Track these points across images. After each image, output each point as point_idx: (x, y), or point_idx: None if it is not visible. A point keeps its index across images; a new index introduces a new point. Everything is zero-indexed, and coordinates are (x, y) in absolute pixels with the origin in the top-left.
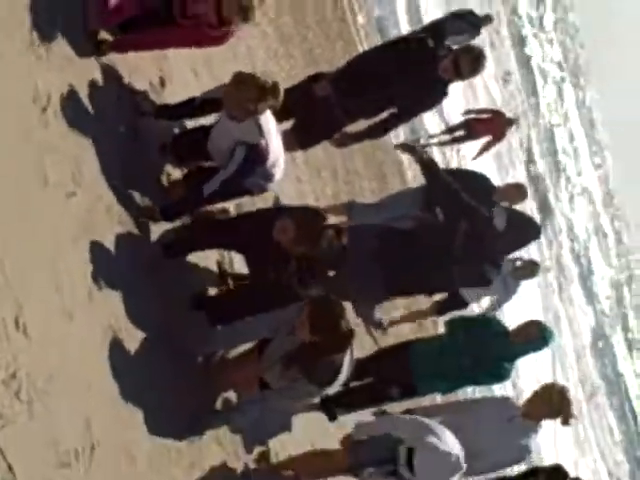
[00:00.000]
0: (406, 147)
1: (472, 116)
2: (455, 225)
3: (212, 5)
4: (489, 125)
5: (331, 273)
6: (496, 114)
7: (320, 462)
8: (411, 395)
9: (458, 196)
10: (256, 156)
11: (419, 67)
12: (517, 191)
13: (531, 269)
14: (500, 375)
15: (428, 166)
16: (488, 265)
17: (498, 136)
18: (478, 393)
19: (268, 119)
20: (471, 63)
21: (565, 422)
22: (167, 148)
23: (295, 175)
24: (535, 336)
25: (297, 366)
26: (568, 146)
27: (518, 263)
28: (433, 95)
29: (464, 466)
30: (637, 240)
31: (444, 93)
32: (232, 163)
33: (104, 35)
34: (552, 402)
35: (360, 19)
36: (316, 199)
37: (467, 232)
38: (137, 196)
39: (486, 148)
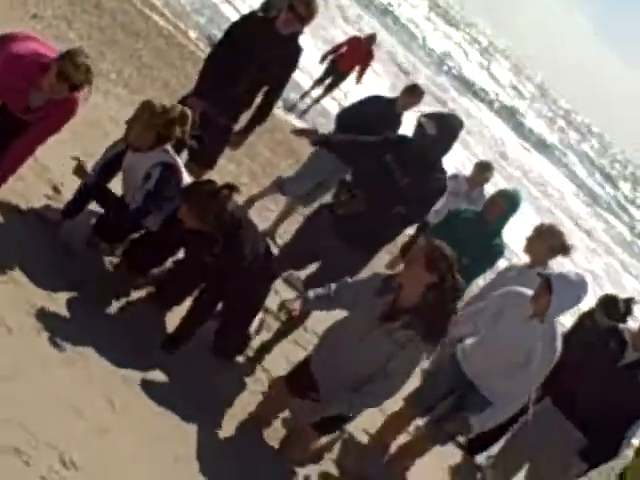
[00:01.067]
0: (299, 132)
1: (331, 57)
2: (382, 162)
3: (53, 81)
4: (352, 54)
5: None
6: (353, 41)
7: (396, 423)
8: None
9: (367, 143)
10: (172, 174)
11: (265, 38)
12: (413, 93)
13: (487, 171)
14: (498, 253)
15: (324, 142)
16: (435, 174)
17: (366, 58)
18: None
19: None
20: (306, 5)
21: (566, 252)
22: (93, 239)
23: None
24: (505, 206)
25: None
26: None
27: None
28: (290, 56)
29: None
30: None
31: (297, 49)
32: (150, 181)
33: None
34: (548, 239)
35: (192, 34)
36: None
37: (396, 160)
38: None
39: (361, 74)
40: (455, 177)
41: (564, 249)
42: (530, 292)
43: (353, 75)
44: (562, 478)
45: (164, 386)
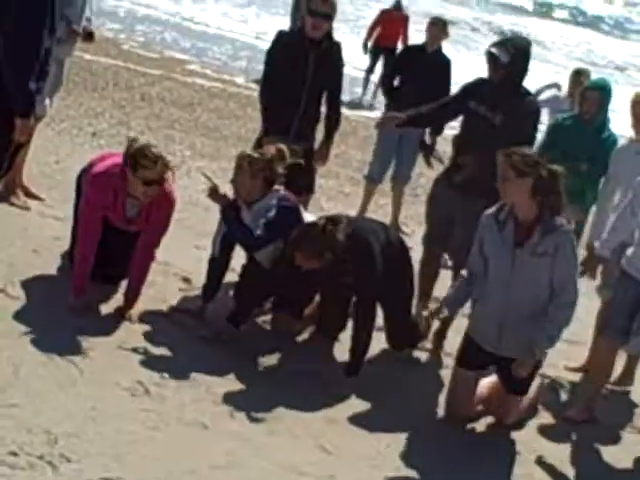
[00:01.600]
0: (382, 122)
1: (371, 42)
2: (470, 111)
3: (141, 189)
4: (389, 29)
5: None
6: (383, 16)
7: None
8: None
9: (446, 103)
10: (292, 206)
11: (303, 51)
12: (433, 26)
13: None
14: (611, 146)
15: (409, 122)
16: (523, 100)
17: (404, 25)
18: None
19: None
20: (322, 1)
21: None
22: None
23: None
24: (596, 97)
25: None
26: None
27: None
28: (333, 57)
29: None
30: None
31: (337, 47)
32: (270, 212)
33: None
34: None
35: (239, 80)
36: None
37: (481, 103)
38: None
39: (406, 42)
40: (556, 98)
41: None
42: None
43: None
44: None
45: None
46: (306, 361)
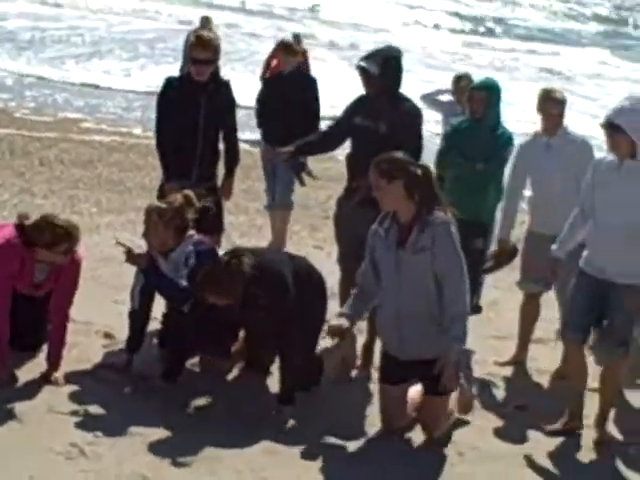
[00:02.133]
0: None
1: (267, 74)
2: (356, 128)
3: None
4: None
5: None
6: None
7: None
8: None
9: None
10: (209, 248)
11: (192, 93)
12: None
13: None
14: (506, 143)
15: (300, 152)
16: (403, 106)
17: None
18: None
19: None
20: (202, 47)
21: None
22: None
23: None
24: (484, 96)
25: None
26: None
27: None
28: (224, 97)
29: None
30: None
31: (226, 86)
32: (190, 260)
33: None
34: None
35: (137, 131)
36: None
37: (364, 117)
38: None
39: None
40: (452, 103)
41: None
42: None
43: None
44: None
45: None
46: (240, 398)
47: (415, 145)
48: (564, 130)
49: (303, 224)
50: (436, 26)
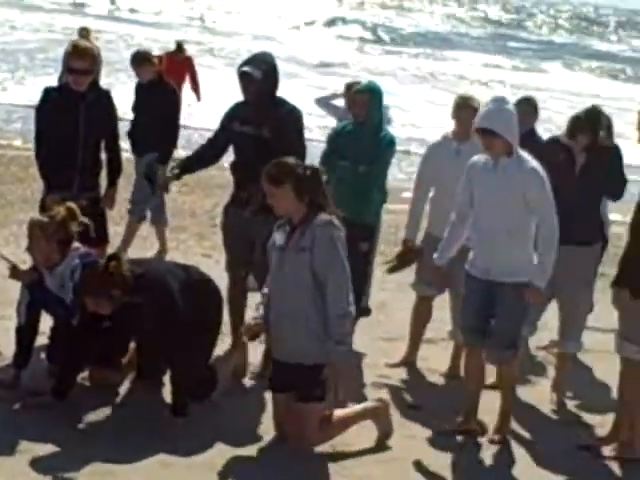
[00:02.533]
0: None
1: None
2: (238, 135)
3: None
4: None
5: None
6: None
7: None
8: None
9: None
10: (94, 261)
11: (72, 103)
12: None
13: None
14: (388, 145)
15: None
16: (283, 109)
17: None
18: None
19: None
20: (77, 57)
21: None
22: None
23: None
24: (365, 99)
25: None
26: None
27: None
28: (101, 104)
29: None
30: None
31: (106, 94)
32: (75, 273)
33: None
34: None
35: (17, 143)
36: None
37: (245, 124)
38: None
39: (195, 83)
40: (335, 107)
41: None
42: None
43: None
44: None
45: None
46: (132, 411)
47: (299, 147)
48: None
49: (190, 232)
50: (327, 33)
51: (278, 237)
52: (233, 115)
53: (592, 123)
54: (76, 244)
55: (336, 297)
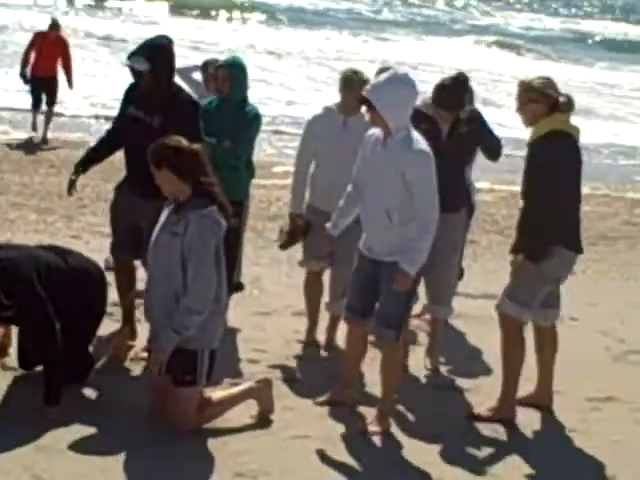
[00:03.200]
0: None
1: (28, 71)
2: (132, 119)
3: None
4: (43, 53)
5: None
6: (36, 40)
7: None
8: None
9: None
10: None
11: None
12: None
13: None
14: (253, 118)
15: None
16: (173, 94)
17: (61, 48)
18: None
19: None
20: None
21: None
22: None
23: None
24: (226, 73)
25: None
26: None
27: None
28: None
29: None
30: None
31: None
32: None
33: None
34: None
35: None
36: None
37: (139, 109)
38: None
39: (69, 72)
40: (197, 83)
41: None
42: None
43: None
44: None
45: None
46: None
47: (192, 134)
48: (363, 111)
49: (59, 214)
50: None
51: (162, 215)
52: (127, 98)
53: (458, 90)
54: None
55: (191, 289)
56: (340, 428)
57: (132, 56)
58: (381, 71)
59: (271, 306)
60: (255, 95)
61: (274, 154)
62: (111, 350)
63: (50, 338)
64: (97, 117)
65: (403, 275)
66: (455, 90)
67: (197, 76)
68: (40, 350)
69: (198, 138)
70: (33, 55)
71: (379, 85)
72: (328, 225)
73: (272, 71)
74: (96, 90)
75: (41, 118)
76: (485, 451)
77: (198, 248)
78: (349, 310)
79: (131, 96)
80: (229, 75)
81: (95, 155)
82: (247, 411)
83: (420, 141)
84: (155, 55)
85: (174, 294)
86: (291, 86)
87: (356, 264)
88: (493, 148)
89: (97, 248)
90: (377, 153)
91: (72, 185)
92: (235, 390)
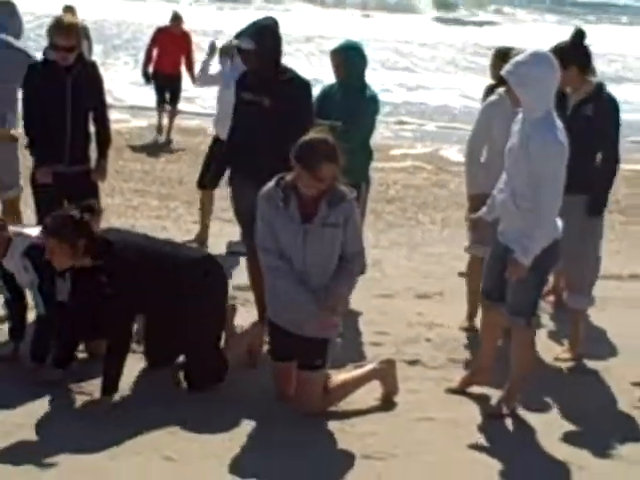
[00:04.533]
0: None
1: (151, 68)
2: (245, 104)
3: None
4: (168, 49)
5: None
6: (159, 35)
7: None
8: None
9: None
10: (39, 251)
11: (58, 78)
12: None
13: None
14: (371, 102)
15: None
16: (285, 77)
17: (185, 43)
18: None
19: None
20: (64, 36)
21: None
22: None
23: None
24: (341, 58)
25: None
26: None
27: None
28: (89, 78)
29: None
30: None
31: (92, 66)
32: (29, 272)
33: None
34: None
35: None
36: None
37: (250, 93)
38: None
39: (190, 66)
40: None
41: None
42: None
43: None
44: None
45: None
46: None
47: (302, 118)
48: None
49: (180, 200)
50: None
51: (284, 205)
52: (241, 84)
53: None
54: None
55: (351, 264)
56: (466, 410)
57: (239, 36)
58: (500, 51)
59: (393, 289)
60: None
61: (390, 137)
62: (245, 346)
63: (124, 328)
64: None
65: (516, 264)
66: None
67: (211, 71)
68: (111, 335)
69: (309, 119)
70: (156, 51)
71: (516, 64)
72: (483, 209)
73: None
74: None
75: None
76: (619, 434)
77: (359, 232)
78: (485, 294)
79: (243, 81)
80: (343, 60)
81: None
82: (371, 394)
83: (555, 128)
84: (260, 35)
85: (325, 281)
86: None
87: (492, 248)
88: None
89: (218, 233)
90: (515, 135)
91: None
92: (359, 372)
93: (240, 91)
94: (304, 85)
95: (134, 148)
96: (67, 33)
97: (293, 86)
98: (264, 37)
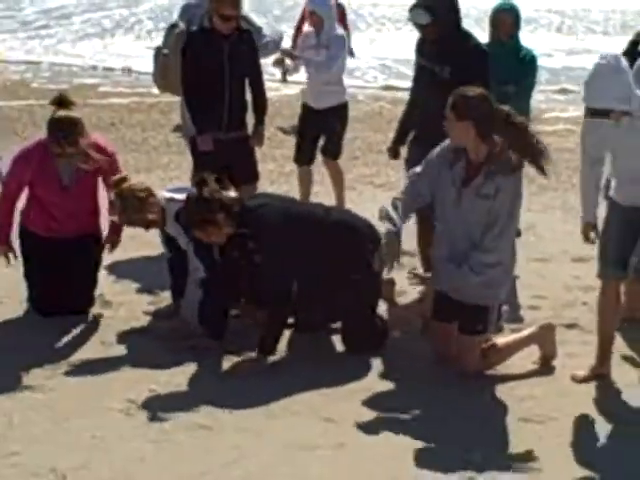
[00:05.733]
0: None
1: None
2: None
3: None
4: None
5: None
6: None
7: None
8: None
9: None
10: None
11: (217, 46)
12: None
13: None
14: (531, 61)
15: None
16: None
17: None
18: None
19: None
20: (230, 5)
21: None
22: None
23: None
24: (509, 18)
25: None
26: None
27: None
28: (247, 47)
29: None
30: None
31: (248, 35)
32: (190, 244)
33: None
34: None
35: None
36: None
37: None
38: None
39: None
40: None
41: None
42: None
43: None
44: None
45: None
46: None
47: (481, 83)
48: None
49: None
50: None
51: (450, 165)
52: (418, 49)
53: None
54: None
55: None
56: (624, 370)
57: (412, 10)
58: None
59: (548, 252)
60: None
61: (542, 100)
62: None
63: (281, 294)
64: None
65: None
66: None
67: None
68: (270, 303)
69: (486, 86)
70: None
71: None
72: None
73: None
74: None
75: None
76: None
77: (513, 205)
78: (606, 266)
79: (421, 47)
80: (510, 19)
81: (409, 125)
82: (530, 357)
83: None
84: (435, 5)
85: (466, 250)
86: None
87: (610, 216)
88: None
89: (370, 198)
90: None
91: (395, 152)
92: (518, 336)
93: (419, 58)
94: (483, 55)
95: (284, 116)
96: (233, 2)
97: (473, 57)
98: (438, 6)
